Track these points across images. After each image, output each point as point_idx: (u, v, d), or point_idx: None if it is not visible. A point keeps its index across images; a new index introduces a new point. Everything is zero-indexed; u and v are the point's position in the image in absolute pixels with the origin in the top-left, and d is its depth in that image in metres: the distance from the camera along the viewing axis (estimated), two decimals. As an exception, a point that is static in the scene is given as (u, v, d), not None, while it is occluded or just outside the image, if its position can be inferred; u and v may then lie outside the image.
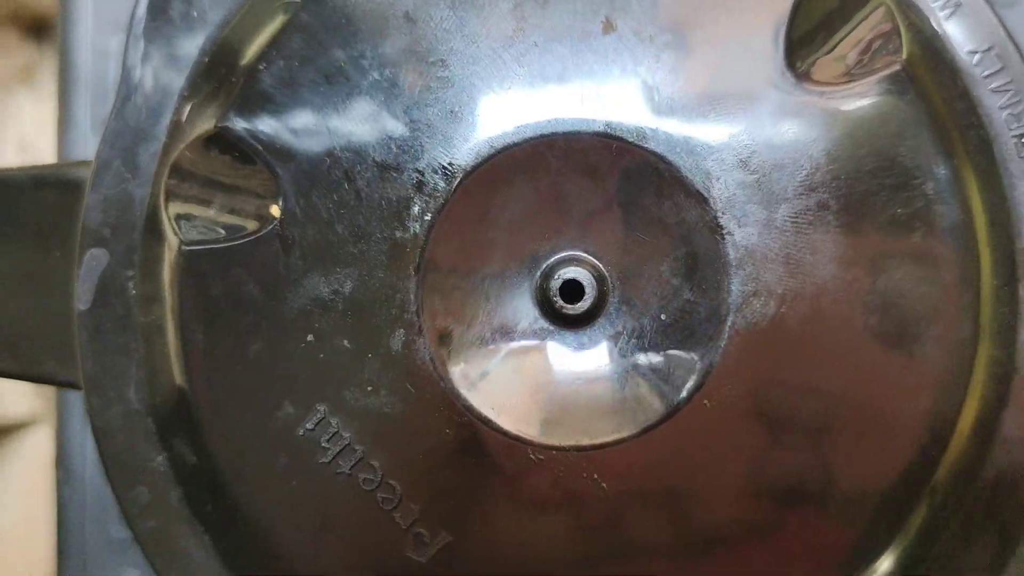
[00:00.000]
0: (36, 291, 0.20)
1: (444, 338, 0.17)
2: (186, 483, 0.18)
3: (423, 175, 0.17)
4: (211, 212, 0.18)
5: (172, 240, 0.18)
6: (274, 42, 0.18)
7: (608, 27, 0.17)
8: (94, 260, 0.19)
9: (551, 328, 0.17)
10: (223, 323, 0.17)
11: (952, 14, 0.18)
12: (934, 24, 0.18)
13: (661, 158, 0.17)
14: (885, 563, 0.18)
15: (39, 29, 0.48)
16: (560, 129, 0.17)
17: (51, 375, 0.19)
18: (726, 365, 0.16)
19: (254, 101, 0.17)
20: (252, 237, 0.17)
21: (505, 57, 0.17)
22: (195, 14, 0.19)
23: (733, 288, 0.16)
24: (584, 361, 0.17)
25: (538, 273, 0.17)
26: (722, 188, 0.17)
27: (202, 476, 0.18)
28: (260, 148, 0.17)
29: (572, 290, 0.17)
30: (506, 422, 0.16)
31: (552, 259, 0.17)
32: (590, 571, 0.17)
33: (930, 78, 0.18)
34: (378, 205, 0.17)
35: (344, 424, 0.17)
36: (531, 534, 0.16)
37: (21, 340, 0.20)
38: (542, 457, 0.16)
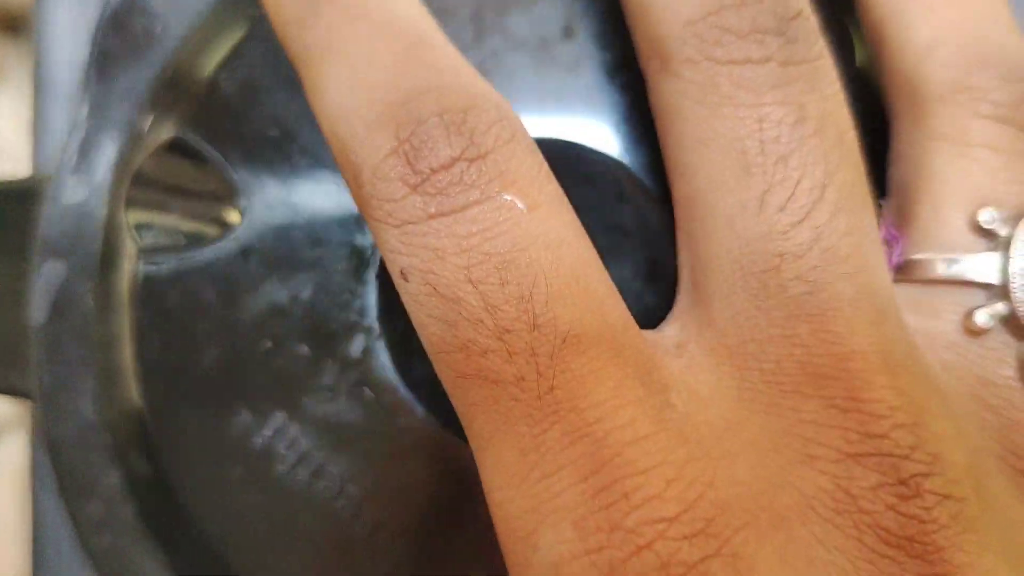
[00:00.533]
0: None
1: (403, 343, 0.17)
2: (142, 498, 0.18)
3: (383, 180, 0.17)
4: (171, 219, 0.18)
5: (131, 250, 0.18)
6: (235, 52, 0.18)
7: (568, 33, 0.17)
8: (52, 272, 0.18)
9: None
10: (180, 331, 0.17)
11: None
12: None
13: (620, 164, 0.17)
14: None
15: (11, 27, 0.48)
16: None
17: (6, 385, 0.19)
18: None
19: (214, 109, 0.18)
20: (212, 243, 0.17)
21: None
22: (158, 30, 0.19)
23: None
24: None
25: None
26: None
27: (158, 490, 0.17)
28: (220, 155, 0.17)
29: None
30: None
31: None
32: None
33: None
34: (337, 210, 0.17)
35: (303, 431, 0.16)
36: (495, 540, 0.16)
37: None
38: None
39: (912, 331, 0.14)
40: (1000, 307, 0.14)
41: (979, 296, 0.14)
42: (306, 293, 0.16)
